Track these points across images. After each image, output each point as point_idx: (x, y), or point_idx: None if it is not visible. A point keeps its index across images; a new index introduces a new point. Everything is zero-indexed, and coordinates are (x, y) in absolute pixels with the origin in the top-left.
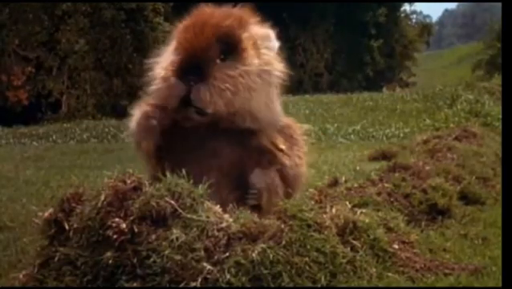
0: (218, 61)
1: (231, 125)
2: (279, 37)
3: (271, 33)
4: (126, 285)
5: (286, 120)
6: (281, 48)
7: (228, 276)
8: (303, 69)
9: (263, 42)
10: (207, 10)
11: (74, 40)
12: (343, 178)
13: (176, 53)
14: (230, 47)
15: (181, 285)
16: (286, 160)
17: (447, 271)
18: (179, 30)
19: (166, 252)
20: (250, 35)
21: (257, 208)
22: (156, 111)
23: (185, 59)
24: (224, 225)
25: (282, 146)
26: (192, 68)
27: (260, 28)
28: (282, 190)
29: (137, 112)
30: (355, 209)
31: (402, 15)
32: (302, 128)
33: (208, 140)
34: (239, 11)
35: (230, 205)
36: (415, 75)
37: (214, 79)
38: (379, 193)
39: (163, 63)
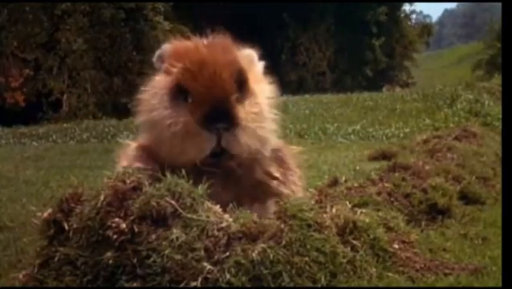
0: (236, 99)
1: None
2: (279, 37)
3: (253, 53)
4: (126, 285)
5: (276, 144)
6: (265, 66)
7: (228, 276)
8: (305, 68)
9: (255, 66)
10: (197, 48)
11: (73, 39)
12: (343, 178)
13: (194, 102)
14: (241, 84)
15: (181, 285)
16: (283, 189)
17: (447, 271)
18: (184, 76)
19: (166, 252)
20: (245, 64)
21: None
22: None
23: (210, 107)
24: (224, 225)
25: (277, 174)
26: (218, 116)
27: (245, 52)
28: None
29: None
30: (355, 208)
31: (402, 15)
32: (293, 149)
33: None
34: (223, 41)
35: (230, 205)
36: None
37: (244, 122)
38: (379, 193)
39: (175, 116)
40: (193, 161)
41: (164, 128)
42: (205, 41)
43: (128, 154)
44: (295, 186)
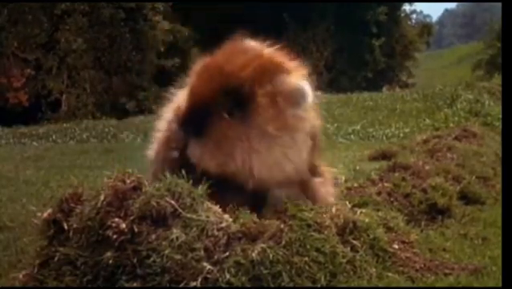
0: (225, 115)
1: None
2: (279, 37)
3: (305, 86)
4: (126, 285)
5: (314, 166)
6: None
7: (228, 276)
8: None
9: (289, 100)
10: (229, 51)
11: (73, 39)
12: (343, 178)
13: (186, 97)
14: (240, 102)
15: (181, 285)
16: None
17: (447, 271)
18: (195, 70)
19: (166, 252)
20: (272, 90)
21: None
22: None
23: (188, 109)
24: (224, 224)
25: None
26: (193, 120)
27: (291, 80)
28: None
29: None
30: (355, 208)
31: (402, 15)
32: (328, 170)
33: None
34: (269, 55)
35: (230, 205)
36: (414, 77)
37: (209, 138)
38: (379, 193)
39: (175, 103)
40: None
41: (165, 113)
42: (255, 49)
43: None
44: (328, 194)
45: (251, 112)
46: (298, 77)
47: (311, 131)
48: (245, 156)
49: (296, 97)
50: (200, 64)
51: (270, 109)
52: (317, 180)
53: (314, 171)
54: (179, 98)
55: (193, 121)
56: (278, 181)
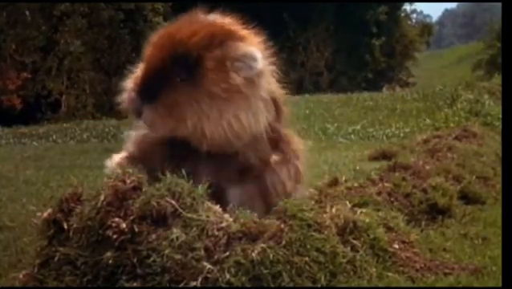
0: (178, 80)
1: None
2: (279, 37)
3: (254, 52)
4: (126, 285)
5: (282, 133)
6: (277, 66)
7: (228, 276)
8: (304, 68)
9: (237, 63)
10: (181, 22)
11: (72, 41)
12: (343, 178)
13: (142, 66)
14: (190, 68)
15: (181, 284)
16: (271, 178)
17: (447, 271)
18: (150, 40)
19: (166, 251)
20: (221, 55)
21: None
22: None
23: (142, 77)
24: (224, 224)
25: (269, 160)
26: (147, 86)
27: (241, 45)
28: (260, 209)
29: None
30: (356, 208)
31: (402, 14)
32: (299, 142)
33: (188, 159)
34: (221, 24)
35: (230, 205)
36: (414, 76)
37: (160, 104)
38: (379, 193)
39: (136, 74)
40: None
41: (126, 84)
42: (207, 19)
43: (127, 143)
44: (289, 180)
45: (200, 77)
46: (249, 43)
47: (271, 97)
48: (195, 119)
49: (245, 62)
50: (155, 35)
51: (219, 73)
52: (276, 158)
53: (276, 142)
54: (139, 69)
55: (147, 88)
56: (231, 142)
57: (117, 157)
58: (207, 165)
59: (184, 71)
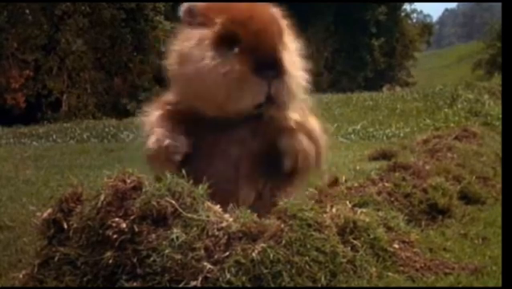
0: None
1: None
2: None
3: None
4: (126, 284)
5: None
6: None
7: (228, 275)
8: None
9: (284, 22)
10: (237, 4)
11: (73, 40)
12: (344, 178)
13: (245, 51)
14: (282, 36)
15: (182, 284)
16: (309, 125)
17: (447, 271)
18: (234, 27)
19: (166, 251)
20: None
21: (293, 175)
22: (177, 137)
23: (261, 56)
24: (224, 224)
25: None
26: (269, 63)
27: (275, 10)
28: (313, 150)
29: (153, 125)
30: (356, 208)
31: (402, 14)
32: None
33: (232, 131)
34: (257, 3)
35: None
36: (413, 77)
37: (290, 71)
38: (379, 193)
39: (226, 64)
40: (244, 110)
41: (215, 77)
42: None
43: (152, 122)
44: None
45: (286, 44)
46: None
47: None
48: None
49: (282, 17)
50: (236, 19)
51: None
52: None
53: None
54: (228, 62)
55: (271, 64)
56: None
57: (153, 116)
58: (251, 130)
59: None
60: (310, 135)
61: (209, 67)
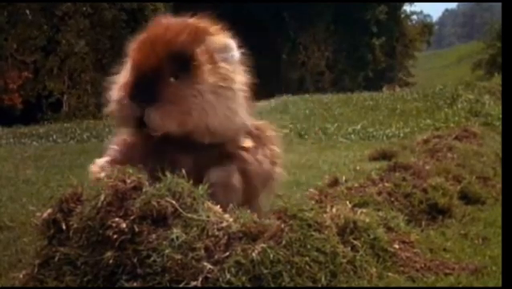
0: (172, 79)
1: (191, 140)
2: (279, 36)
3: (231, 43)
4: (126, 285)
5: (255, 123)
6: (244, 56)
7: (228, 276)
8: (305, 67)
9: (221, 55)
10: (161, 25)
11: (74, 41)
12: (344, 178)
13: (130, 73)
14: (184, 65)
15: (182, 284)
16: (248, 157)
17: (447, 271)
18: (132, 47)
19: (166, 251)
20: (206, 49)
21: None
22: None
23: (137, 80)
24: (224, 224)
25: (246, 145)
26: (143, 89)
27: (218, 39)
28: (240, 186)
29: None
30: (356, 208)
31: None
32: (274, 129)
33: (168, 152)
34: (196, 22)
35: (230, 205)
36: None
37: (165, 101)
38: (379, 193)
39: (119, 83)
40: (128, 128)
41: (112, 95)
42: (180, 20)
43: (109, 148)
44: (265, 158)
45: (196, 71)
46: (223, 36)
47: (244, 84)
48: (200, 111)
49: (227, 52)
50: (135, 43)
51: (211, 65)
52: (250, 143)
53: (249, 130)
54: (120, 79)
55: (145, 91)
56: (231, 133)
57: (100, 162)
58: (187, 155)
59: (180, 68)
60: (243, 169)
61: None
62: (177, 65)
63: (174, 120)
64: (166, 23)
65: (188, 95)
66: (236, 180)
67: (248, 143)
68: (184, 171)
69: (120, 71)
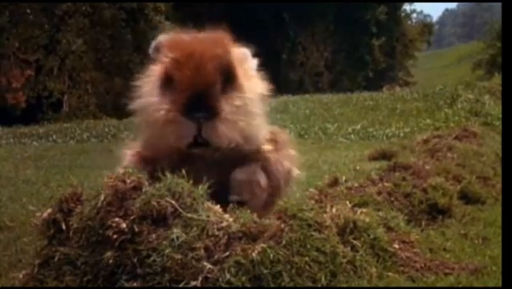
0: (223, 91)
1: (229, 150)
2: (279, 37)
3: (248, 52)
4: (126, 284)
5: (270, 128)
6: (260, 64)
7: (228, 275)
8: (303, 68)
9: (247, 64)
10: (190, 40)
11: (74, 40)
12: (344, 178)
13: (177, 91)
14: (228, 77)
15: (182, 284)
16: (269, 156)
17: (447, 271)
18: (172, 66)
19: (166, 251)
20: (237, 60)
21: (241, 205)
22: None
23: (191, 97)
24: (224, 224)
25: (266, 148)
26: (199, 105)
27: (238, 49)
28: (265, 183)
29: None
30: (356, 208)
31: (402, 14)
32: (286, 133)
33: (197, 167)
34: (218, 36)
35: (230, 206)
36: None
37: (225, 113)
38: (379, 193)
39: (160, 103)
40: (174, 148)
41: (150, 114)
42: (201, 34)
43: (124, 161)
44: (284, 157)
45: (236, 82)
46: (238, 46)
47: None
48: (249, 120)
49: (247, 60)
50: (173, 59)
51: (245, 77)
52: (269, 147)
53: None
54: (161, 99)
55: (202, 105)
56: (261, 140)
57: (129, 153)
58: (213, 166)
59: (225, 81)
60: (266, 168)
61: (146, 103)
62: (224, 78)
63: (236, 129)
64: (194, 39)
65: (242, 104)
66: (261, 177)
67: (268, 146)
68: (209, 183)
69: (146, 77)
